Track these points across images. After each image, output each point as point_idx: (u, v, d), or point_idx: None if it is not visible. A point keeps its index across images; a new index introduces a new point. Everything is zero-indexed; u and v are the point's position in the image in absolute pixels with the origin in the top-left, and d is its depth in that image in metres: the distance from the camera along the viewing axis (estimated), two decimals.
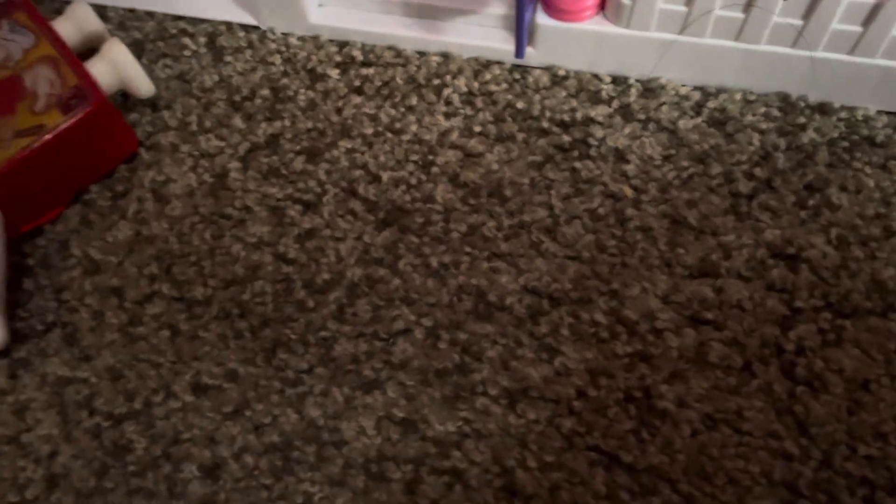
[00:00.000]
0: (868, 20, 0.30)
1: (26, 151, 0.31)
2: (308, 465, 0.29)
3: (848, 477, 0.27)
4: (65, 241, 0.33)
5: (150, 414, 0.30)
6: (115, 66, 0.33)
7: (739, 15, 0.31)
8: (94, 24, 0.35)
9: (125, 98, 0.36)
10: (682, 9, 0.31)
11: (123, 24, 0.38)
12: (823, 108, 0.34)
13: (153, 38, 0.38)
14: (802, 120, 0.33)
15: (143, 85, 0.34)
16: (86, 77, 0.32)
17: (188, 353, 0.31)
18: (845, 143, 0.33)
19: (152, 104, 0.36)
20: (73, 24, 0.34)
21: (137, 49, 0.37)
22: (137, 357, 0.31)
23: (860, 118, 0.33)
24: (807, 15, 0.31)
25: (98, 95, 0.32)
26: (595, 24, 0.33)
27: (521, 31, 0.32)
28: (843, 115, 0.34)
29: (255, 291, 0.32)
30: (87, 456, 0.29)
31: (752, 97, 0.34)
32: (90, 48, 0.35)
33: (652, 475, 0.28)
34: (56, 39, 0.33)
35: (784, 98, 0.34)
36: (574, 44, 0.34)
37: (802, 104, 0.34)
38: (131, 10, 0.39)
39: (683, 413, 0.29)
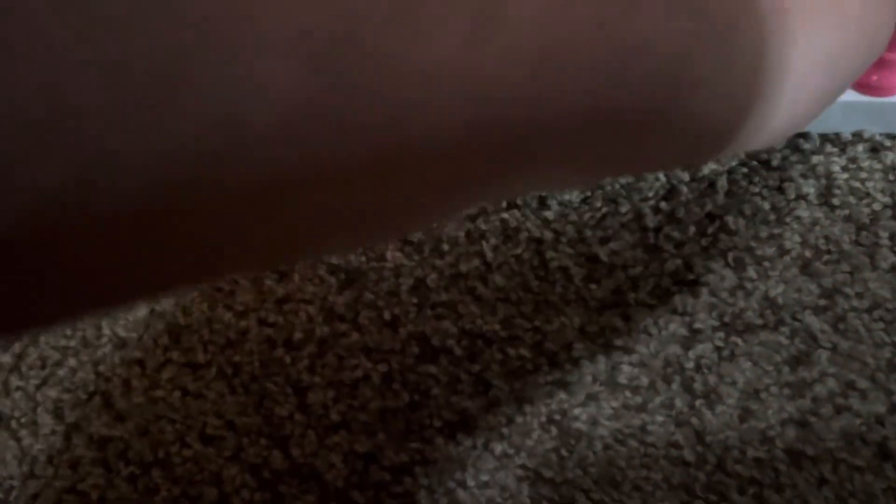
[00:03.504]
0: None
1: None
2: (292, 496, 0.35)
3: (738, 478, 0.32)
4: (98, 324, 0.41)
5: (171, 461, 0.37)
6: None
7: None
8: None
9: None
10: None
11: None
12: None
13: None
14: None
15: None
16: None
17: (195, 409, 0.38)
18: (744, 170, 0.36)
19: None
20: None
21: None
22: (158, 415, 0.38)
23: None
24: None
25: None
26: None
27: None
28: None
29: (244, 352, 0.38)
30: (127, 499, 0.37)
31: None
32: None
33: (570, 486, 0.33)
34: None
35: None
36: None
37: None
38: None
39: (596, 431, 0.33)
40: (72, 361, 0.40)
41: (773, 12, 0.14)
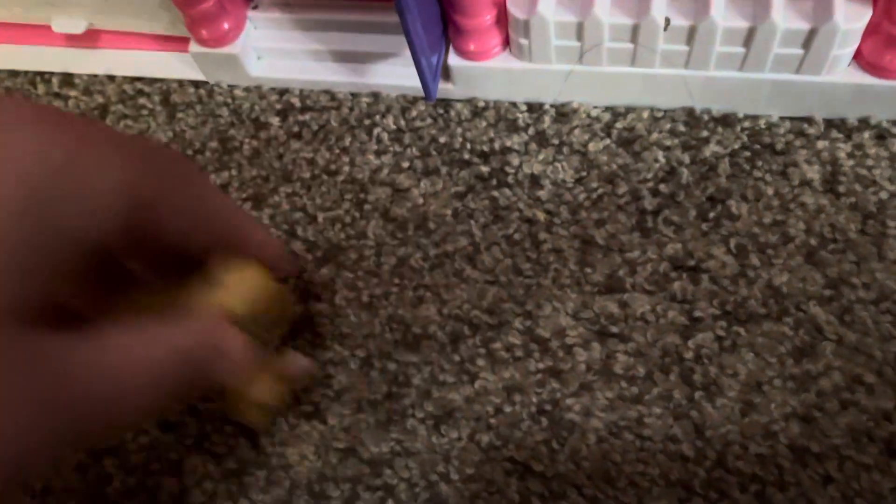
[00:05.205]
0: (747, 41, 0.32)
1: None
2: (259, 488, 0.32)
3: (739, 475, 0.30)
4: None
5: (126, 449, 0.34)
6: None
7: (629, 45, 0.33)
8: None
9: None
10: (576, 43, 0.33)
11: (88, 88, 0.42)
12: (727, 120, 0.35)
13: (114, 101, 0.42)
14: (706, 133, 0.35)
15: None
16: None
17: None
18: (747, 153, 0.35)
19: None
20: None
21: (102, 113, 0.41)
22: None
23: (763, 126, 0.35)
24: (689, 41, 0.32)
25: None
26: (502, 62, 0.36)
27: (425, 77, 0.34)
28: (746, 124, 0.35)
29: None
30: (74, 490, 0.34)
31: (660, 114, 0.36)
32: None
33: (561, 481, 0.31)
34: None
35: (689, 112, 0.36)
36: (487, 78, 0.36)
37: (706, 117, 0.35)
38: (94, 75, 0.42)
39: (589, 423, 0.31)
40: None
41: None
